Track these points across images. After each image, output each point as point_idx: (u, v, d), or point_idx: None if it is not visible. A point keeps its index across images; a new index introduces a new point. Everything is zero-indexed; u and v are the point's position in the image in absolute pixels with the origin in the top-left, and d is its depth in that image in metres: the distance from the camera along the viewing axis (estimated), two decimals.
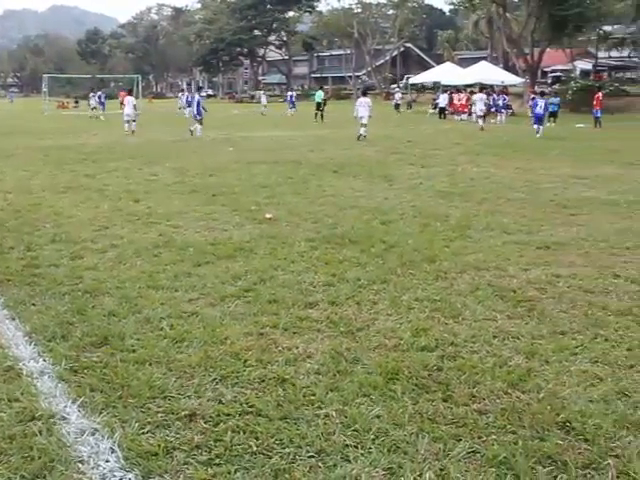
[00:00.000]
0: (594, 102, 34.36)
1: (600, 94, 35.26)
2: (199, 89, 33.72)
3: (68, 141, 23.27)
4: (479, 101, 34.41)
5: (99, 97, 44.27)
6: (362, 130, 24.37)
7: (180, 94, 54.53)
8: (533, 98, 33.01)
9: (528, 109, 36.45)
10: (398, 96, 49.71)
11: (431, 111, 44.58)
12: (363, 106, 24.96)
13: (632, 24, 61.36)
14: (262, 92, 56.74)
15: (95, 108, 43.38)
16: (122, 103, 50.29)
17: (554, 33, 51.92)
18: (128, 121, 27.62)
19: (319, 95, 38.87)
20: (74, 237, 8.29)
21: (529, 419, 3.82)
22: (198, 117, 25.75)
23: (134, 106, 28.43)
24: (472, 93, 41.47)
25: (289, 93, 50.41)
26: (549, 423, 3.77)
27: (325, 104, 38.65)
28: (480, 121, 32.68)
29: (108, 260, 7.23)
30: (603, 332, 5.18)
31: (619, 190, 12.51)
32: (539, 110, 28.47)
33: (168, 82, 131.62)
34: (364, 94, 27.65)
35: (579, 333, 5.17)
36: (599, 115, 33.49)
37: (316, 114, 37.31)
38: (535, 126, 28.10)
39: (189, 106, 42.80)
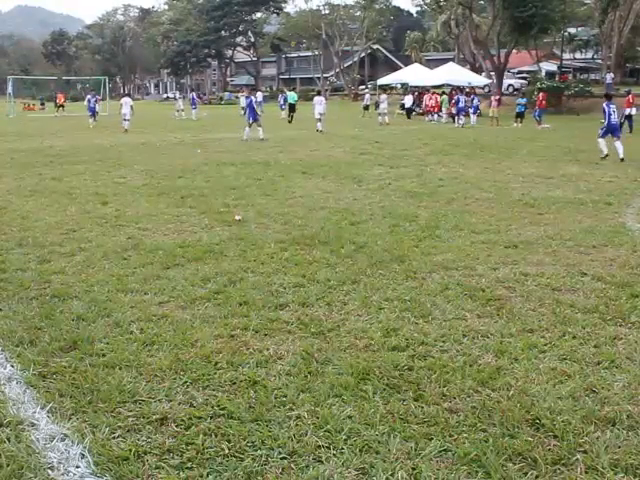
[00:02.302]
0: (537, 102, 34.93)
1: (542, 94, 35.82)
2: (254, 89, 31.98)
3: (34, 144, 22.98)
4: (383, 101, 37.13)
5: (88, 101, 36.75)
6: (319, 125, 28.90)
7: (177, 94, 52.26)
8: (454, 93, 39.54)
9: (490, 110, 37.18)
10: (367, 97, 49.81)
11: (399, 112, 44.76)
12: (319, 104, 29.85)
13: (596, 27, 62.32)
14: (242, 93, 56.37)
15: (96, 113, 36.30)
16: (62, 105, 49.47)
17: (519, 35, 52.45)
18: (125, 120, 30.58)
19: (292, 96, 38.90)
20: (41, 241, 8.20)
21: (499, 417, 3.86)
22: (251, 120, 24.20)
23: (131, 107, 31.54)
24: (443, 94, 41.85)
25: (281, 95, 50.25)
26: (519, 420, 3.81)
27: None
28: (384, 118, 35.76)
29: (76, 264, 7.16)
30: (571, 329, 5.25)
31: (585, 189, 12.68)
32: (461, 105, 35.92)
33: (135, 84, 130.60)
34: (318, 93, 33.94)
35: (547, 331, 5.24)
36: (538, 115, 34.22)
37: (290, 115, 37.22)
38: (456, 118, 35.62)
39: (195, 107, 42.37)
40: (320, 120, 29.24)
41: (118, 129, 30.17)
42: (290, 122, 35.90)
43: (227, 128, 31.94)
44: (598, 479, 3.31)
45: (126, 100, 32.32)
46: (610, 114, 18.90)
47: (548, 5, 48.26)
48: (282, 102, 46.30)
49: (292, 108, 37.76)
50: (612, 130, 18.87)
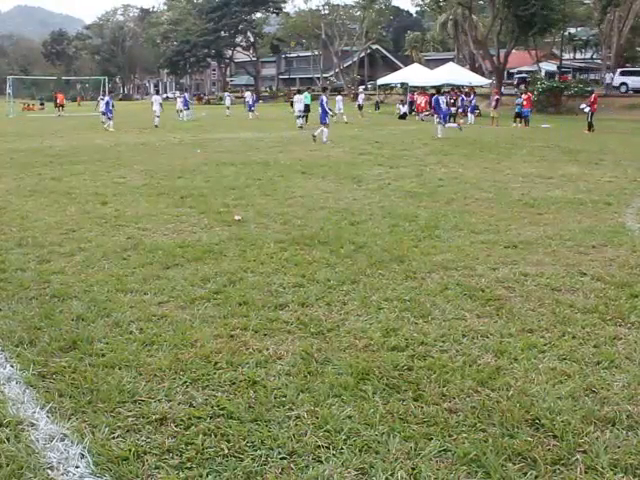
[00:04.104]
0: (524, 102, 35.23)
1: (529, 94, 36.24)
2: (325, 89, 31.51)
3: (34, 144, 22.98)
4: (339, 101, 39.09)
5: (107, 103, 32.88)
6: (300, 121, 32.06)
7: (177, 93, 50.65)
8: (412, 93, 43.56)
9: (490, 110, 37.35)
10: (361, 97, 50.05)
11: (402, 109, 44.92)
12: (299, 102, 33.37)
13: (595, 26, 62.38)
14: (226, 94, 56.59)
15: (105, 114, 32.81)
16: (61, 105, 49.77)
17: (520, 35, 52.50)
18: (156, 116, 33.82)
19: (307, 97, 38.49)
20: (41, 241, 8.20)
21: (499, 417, 3.85)
22: (325, 121, 23.91)
23: (160, 104, 34.91)
24: (443, 93, 42.12)
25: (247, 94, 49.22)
26: (518, 420, 3.81)
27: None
28: (341, 117, 37.10)
29: (76, 264, 7.16)
30: (570, 329, 5.25)
31: (584, 189, 12.68)
32: (443, 106, 39.23)
33: (135, 84, 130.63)
34: (299, 92, 36.12)
35: (547, 331, 5.24)
36: (528, 114, 34.94)
37: (305, 116, 36.77)
38: (435, 117, 38.57)
39: (187, 108, 42.08)
40: (299, 117, 32.40)
41: (118, 129, 30.19)
42: (305, 122, 35.59)
43: (226, 128, 31.96)
44: (598, 479, 3.31)
45: (156, 98, 35.74)
46: (440, 104, 26.80)
47: (549, 4, 48.29)
48: (251, 102, 45.70)
49: (307, 109, 37.32)
50: (444, 116, 26.23)
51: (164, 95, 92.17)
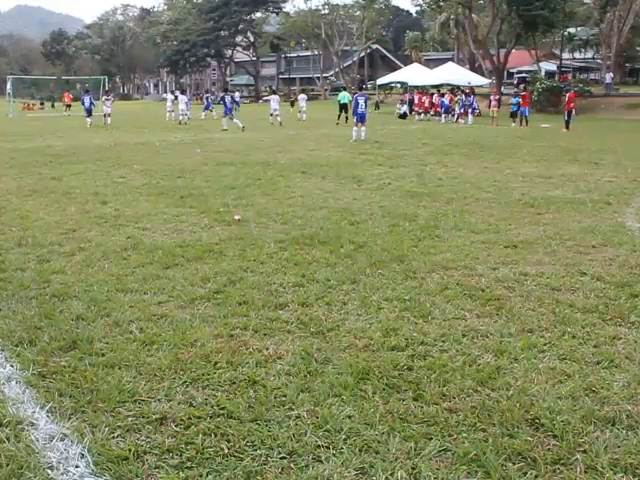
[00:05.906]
0: (522, 100, 35.39)
1: (528, 92, 36.41)
2: (361, 88, 29.34)
3: (34, 143, 22.98)
4: (302, 100, 39.64)
5: (105, 100, 35.48)
6: (278, 118, 34.35)
7: (169, 94, 48.93)
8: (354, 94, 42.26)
9: (490, 110, 37.27)
10: None
11: (402, 109, 44.95)
12: (275, 101, 35.82)
13: (595, 26, 62.39)
14: (207, 94, 55.34)
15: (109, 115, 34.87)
16: (68, 104, 50.04)
17: (526, 32, 52.47)
18: (182, 115, 36.54)
19: (343, 97, 36.65)
20: (41, 240, 8.19)
21: (499, 416, 3.85)
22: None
23: (186, 103, 37.58)
24: (442, 94, 42.25)
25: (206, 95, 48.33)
26: (518, 420, 3.81)
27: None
28: (302, 115, 39.04)
29: (76, 263, 7.16)
30: (570, 329, 5.24)
31: (584, 189, 12.68)
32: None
33: (135, 83, 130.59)
34: (274, 92, 39.00)
35: (547, 331, 5.24)
36: (527, 114, 35.21)
37: (339, 116, 35.61)
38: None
39: (188, 108, 41.52)
40: (272, 115, 35.16)
41: (117, 127, 30.18)
42: (338, 124, 34.36)
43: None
44: (598, 479, 3.31)
45: (182, 97, 38.42)
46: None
47: (550, 4, 48.28)
48: (208, 103, 45.04)
49: (345, 109, 35.08)
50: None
51: (163, 95, 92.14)
